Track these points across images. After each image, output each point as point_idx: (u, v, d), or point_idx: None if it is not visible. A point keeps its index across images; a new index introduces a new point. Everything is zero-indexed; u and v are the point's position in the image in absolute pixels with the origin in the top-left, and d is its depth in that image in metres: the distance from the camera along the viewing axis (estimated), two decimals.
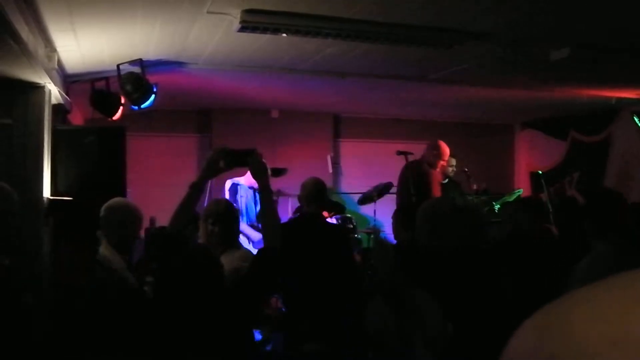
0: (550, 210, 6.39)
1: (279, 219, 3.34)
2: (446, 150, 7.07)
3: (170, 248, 3.06)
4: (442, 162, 7.07)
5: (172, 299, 2.93)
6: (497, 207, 7.62)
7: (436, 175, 7.02)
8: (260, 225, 6.83)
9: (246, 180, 6.90)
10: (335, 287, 4.79)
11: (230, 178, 6.91)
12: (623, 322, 0.53)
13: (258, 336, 6.26)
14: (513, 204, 6.27)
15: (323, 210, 5.41)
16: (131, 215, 4.03)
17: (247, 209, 6.88)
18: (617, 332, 0.53)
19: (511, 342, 0.62)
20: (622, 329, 0.52)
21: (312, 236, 4.78)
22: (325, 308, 4.77)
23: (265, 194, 3.24)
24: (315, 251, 4.72)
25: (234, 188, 6.87)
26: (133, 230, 4.01)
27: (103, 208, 4.10)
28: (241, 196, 6.89)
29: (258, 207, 6.95)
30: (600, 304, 0.56)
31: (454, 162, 7.62)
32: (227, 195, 6.89)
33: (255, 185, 6.83)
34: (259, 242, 6.61)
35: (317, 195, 5.05)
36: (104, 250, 3.89)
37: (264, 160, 3.27)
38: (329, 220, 7.58)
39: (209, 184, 3.64)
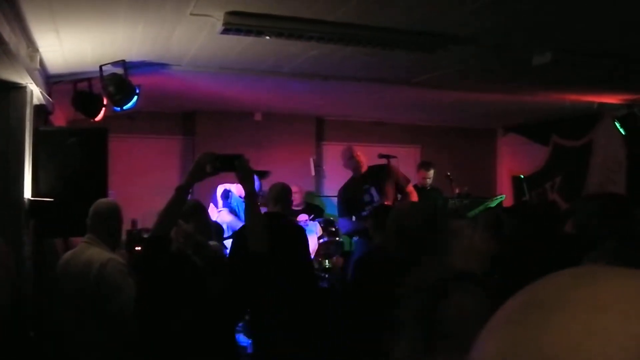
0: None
1: (264, 224, 3.32)
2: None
3: (155, 251, 3.04)
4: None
5: (156, 302, 2.91)
6: (472, 214, 7.24)
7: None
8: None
9: (237, 189, 7.09)
10: (292, 286, 4.83)
11: (222, 184, 7.31)
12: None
13: (242, 341, 6.26)
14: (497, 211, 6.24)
15: (288, 213, 5.54)
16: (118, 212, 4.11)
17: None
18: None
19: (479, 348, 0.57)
20: None
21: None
22: (284, 307, 4.81)
23: (251, 199, 3.23)
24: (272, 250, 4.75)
25: (226, 193, 7.28)
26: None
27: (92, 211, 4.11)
28: (236, 201, 7.23)
29: None
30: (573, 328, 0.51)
31: (431, 174, 8.24)
32: (219, 200, 7.39)
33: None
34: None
35: (285, 197, 5.28)
36: (108, 254, 3.89)
37: (250, 165, 3.27)
38: (310, 223, 7.62)
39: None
